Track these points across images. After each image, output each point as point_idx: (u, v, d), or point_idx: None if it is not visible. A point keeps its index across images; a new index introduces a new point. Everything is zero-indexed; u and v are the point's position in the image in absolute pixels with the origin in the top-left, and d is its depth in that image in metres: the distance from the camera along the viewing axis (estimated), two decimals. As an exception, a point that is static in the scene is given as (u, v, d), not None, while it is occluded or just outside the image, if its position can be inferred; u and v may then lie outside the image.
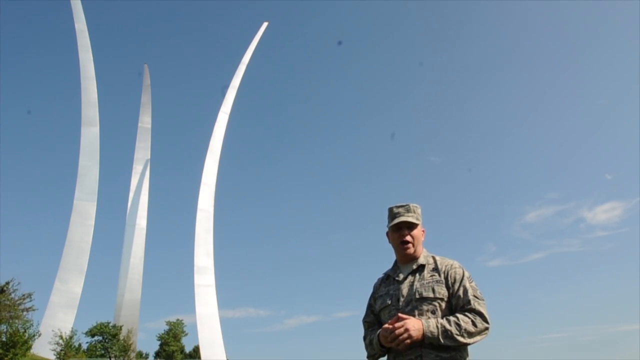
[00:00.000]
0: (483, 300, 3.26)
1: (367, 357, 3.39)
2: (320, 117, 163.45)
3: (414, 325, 3.06)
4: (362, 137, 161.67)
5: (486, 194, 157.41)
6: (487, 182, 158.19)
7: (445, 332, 3.06)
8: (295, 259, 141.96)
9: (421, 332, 3.05)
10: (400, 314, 3.14)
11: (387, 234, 3.55)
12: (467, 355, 3.21)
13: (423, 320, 3.11)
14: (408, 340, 3.03)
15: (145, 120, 70.47)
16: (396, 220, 3.44)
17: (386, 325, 3.14)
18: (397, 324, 3.08)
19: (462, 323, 3.09)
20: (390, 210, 3.51)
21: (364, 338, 3.48)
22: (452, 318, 3.13)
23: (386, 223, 3.55)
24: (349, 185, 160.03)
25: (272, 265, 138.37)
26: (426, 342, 3.06)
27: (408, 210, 3.47)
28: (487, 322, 3.16)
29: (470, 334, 3.09)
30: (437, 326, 3.08)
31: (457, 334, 3.06)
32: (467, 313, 3.17)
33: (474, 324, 3.11)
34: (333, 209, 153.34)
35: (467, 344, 3.12)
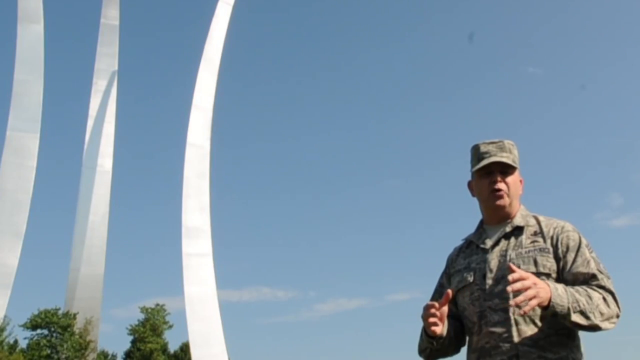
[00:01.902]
0: (610, 278, 2.79)
1: (420, 353, 2.98)
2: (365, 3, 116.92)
3: (541, 283, 2.52)
4: (426, 37, 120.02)
5: (607, 121, 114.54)
6: (608, 104, 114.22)
7: (577, 304, 2.57)
8: (331, 215, 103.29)
9: (548, 296, 2.53)
10: (511, 264, 2.60)
11: (470, 183, 3.12)
12: (581, 356, 2.75)
13: (550, 281, 2.63)
14: (535, 301, 2.47)
15: (110, 15, 61.34)
16: (485, 161, 2.97)
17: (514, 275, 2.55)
18: (523, 274, 2.50)
19: (594, 297, 2.61)
20: (476, 148, 3.07)
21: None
22: (580, 288, 2.64)
23: (468, 166, 3.14)
24: (410, 108, 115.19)
25: (295, 226, 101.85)
26: (549, 312, 2.56)
27: (502, 149, 3.00)
28: (618, 306, 2.69)
29: (602, 315, 2.60)
30: (566, 293, 2.55)
31: (589, 311, 2.58)
32: (594, 287, 2.68)
33: (606, 303, 2.63)
34: (388, 142, 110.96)
35: (595, 328, 2.61)
